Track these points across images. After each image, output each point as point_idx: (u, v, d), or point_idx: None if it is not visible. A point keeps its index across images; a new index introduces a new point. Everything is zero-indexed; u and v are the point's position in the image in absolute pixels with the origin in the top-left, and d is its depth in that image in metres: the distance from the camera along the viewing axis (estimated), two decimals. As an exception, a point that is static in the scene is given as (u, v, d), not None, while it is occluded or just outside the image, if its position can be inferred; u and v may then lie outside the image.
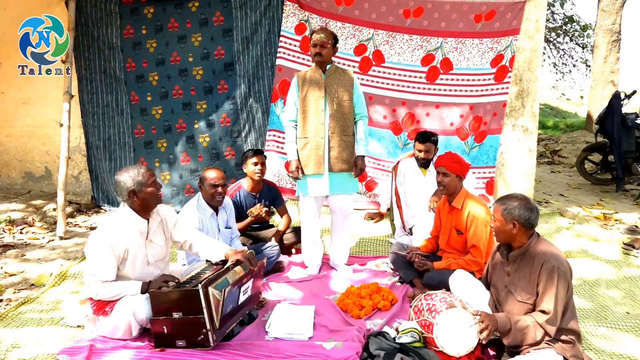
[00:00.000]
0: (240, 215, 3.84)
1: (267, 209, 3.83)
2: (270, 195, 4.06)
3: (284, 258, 3.94)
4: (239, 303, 2.72)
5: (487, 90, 4.94)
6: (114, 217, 2.71)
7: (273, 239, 3.93)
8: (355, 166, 3.60)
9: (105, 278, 2.58)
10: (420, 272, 3.32)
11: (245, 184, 3.96)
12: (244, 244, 3.72)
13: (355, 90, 3.61)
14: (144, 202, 2.66)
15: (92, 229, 4.65)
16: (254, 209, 3.79)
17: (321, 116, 3.53)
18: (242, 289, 2.74)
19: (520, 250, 2.43)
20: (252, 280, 2.85)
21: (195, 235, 2.95)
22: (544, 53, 12.39)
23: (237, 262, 2.81)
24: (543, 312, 2.31)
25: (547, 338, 2.31)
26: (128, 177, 2.62)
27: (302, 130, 3.59)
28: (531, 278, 2.36)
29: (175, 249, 3.69)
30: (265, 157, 3.95)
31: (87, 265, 2.65)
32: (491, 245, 3.18)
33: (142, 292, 2.60)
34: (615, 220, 5.04)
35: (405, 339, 2.58)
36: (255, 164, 3.83)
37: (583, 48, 12.84)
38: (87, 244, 2.65)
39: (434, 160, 4.04)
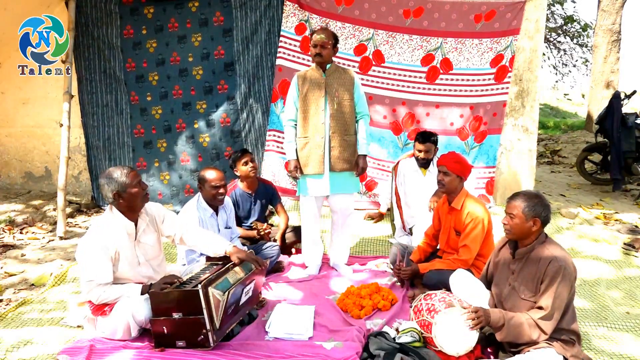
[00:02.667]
0: (236, 214, 3.84)
1: (269, 232, 3.83)
2: (267, 194, 4.06)
3: (284, 258, 3.95)
4: (240, 303, 2.72)
5: (487, 90, 4.94)
6: (101, 220, 2.69)
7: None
8: (357, 165, 3.60)
9: (104, 280, 2.58)
10: (421, 275, 3.32)
11: (240, 183, 3.96)
12: (243, 244, 3.72)
13: (356, 89, 3.61)
14: (130, 203, 2.64)
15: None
16: (259, 224, 3.80)
17: (321, 116, 3.53)
18: (245, 290, 2.74)
19: (527, 248, 2.44)
20: (254, 281, 2.85)
21: (188, 228, 2.94)
22: (544, 54, 12.40)
23: (239, 262, 2.82)
24: (540, 308, 2.32)
25: (544, 337, 2.31)
26: (112, 179, 2.59)
27: (302, 129, 3.59)
28: (536, 277, 2.37)
29: (175, 249, 3.70)
30: (251, 153, 3.95)
31: (82, 272, 2.64)
32: (486, 246, 3.18)
33: (142, 294, 2.60)
34: (616, 220, 5.03)
35: (405, 338, 2.58)
36: (246, 163, 3.84)
37: (582, 47, 12.84)
38: (78, 251, 2.63)
39: (434, 160, 4.05)
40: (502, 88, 4.96)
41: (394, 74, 4.89)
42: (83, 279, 2.61)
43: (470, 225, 3.12)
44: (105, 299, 2.57)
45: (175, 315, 2.45)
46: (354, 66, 4.81)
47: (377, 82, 4.90)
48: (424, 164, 4.03)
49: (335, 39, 3.56)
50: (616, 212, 5.29)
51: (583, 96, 14.81)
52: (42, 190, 5.55)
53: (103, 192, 2.63)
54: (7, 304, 3.15)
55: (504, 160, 5.15)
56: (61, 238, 4.38)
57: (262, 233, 3.80)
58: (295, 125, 3.63)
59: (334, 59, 3.63)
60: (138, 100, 5.03)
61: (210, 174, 3.35)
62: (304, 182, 3.63)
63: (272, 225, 4.23)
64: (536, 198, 2.42)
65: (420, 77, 4.90)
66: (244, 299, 2.75)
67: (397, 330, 2.72)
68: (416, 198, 4.03)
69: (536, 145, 5.18)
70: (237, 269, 2.77)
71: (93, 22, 4.94)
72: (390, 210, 4.57)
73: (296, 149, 3.61)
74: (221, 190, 3.36)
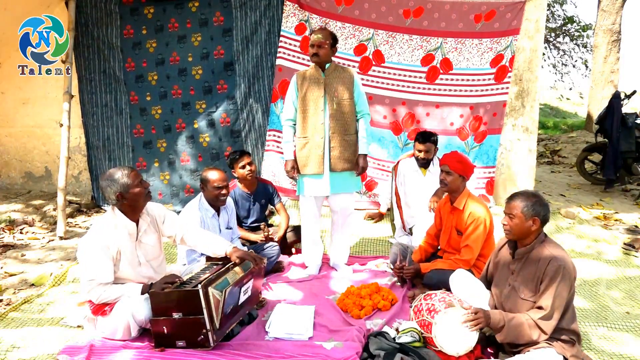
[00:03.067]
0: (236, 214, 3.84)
1: (271, 238, 3.83)
2: (266, 194, 4.06)
3: (284, 258, 3.94)
4: (239, 303, 2.72)
5: (487, 90, 4.94)
6: (102, 220, 2.69)
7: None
8: (357, 165, 3.59)
9: (105, 280, 2.58)
10: (422, 274, 3.32)
11: (239, 183, 3.96)
12: (243, 244, 3.72)
13: (356, 88, 3.58)
14: (133, 203, 2.65)
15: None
16: (266, 230, 3.80)
17: (320, 116, 3.52)
18: (243, 289, 2.74)
19: (527, 248, 2.44)
20: (252, 280, 2.85)
21: (189, 228, 2.95)
22: (543, 54, 12.40)
23: (239, 261, 2.82)
24: (540, 308, 2.32)
25: (544, 337, 2.31)
26: (114, 180, 2.59)
27: (301, 129, 3.58)
28: (536, 276, 2.37)
29: (175, 249, 3.70)
30: (249, 154, 3.95)
31: (83, 271, 2.64)
32: (487, 246, 3.18)
33: (143, 294, 2.60)
34: (616, 220, 5.04)
35: (405, 338, 2.58)
36: (244, 166, 3.84)
37: (583, 47, 12.83)
38: (80, 250, 2.63)
39: (434, 160, 4.05)
40: (502, 88, 4.96)
41: (394, 74, 4.89)
42: (84, 278, 2.61)
43: (472, 226, 3.11)
44: (105, 298, 2.58)
45: (175, 315, 2.45)
46: (354, 66, 4.81)
47: (377, 82, 4.90)
48: (424, 164, 4.03)
49: (333, 38, 3.53)
50: (616, 212, 5.29)
51: (582, 97, 14.79)
52: (42, 190, 5.55)
53: (106, 194, 2.64)
54: (7, 304, 3.15)
55: (504, 160, 5.15)
56: (61, 238, 4.38)
57: (265, 235, 3.79)
58: (294, 125, 3.63)
59: (333, 58, 3.62)
60: (138, 100, 5.03)
61: (213, 175, 3.35)
62: (304, 182, 3.63)
63: (272, 225, 4.23)
64: (534, 197, 2.43)
65: (420, 77, 4.90)
66: (242, 298, 2.75)
67: (397, 330, 2.72)
68: (416, 198, 4.03)
69: (536, 145, 5.18)
70: (237, 269, 2.76)
71: (93, 22, 4.94)
72: (390, 210, 4.57)
73: (294, 149, 3.60)
74: (223, 191, 3.37)
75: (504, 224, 2.48)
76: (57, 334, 2.72)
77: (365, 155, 3.61)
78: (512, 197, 2.49)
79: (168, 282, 2.56)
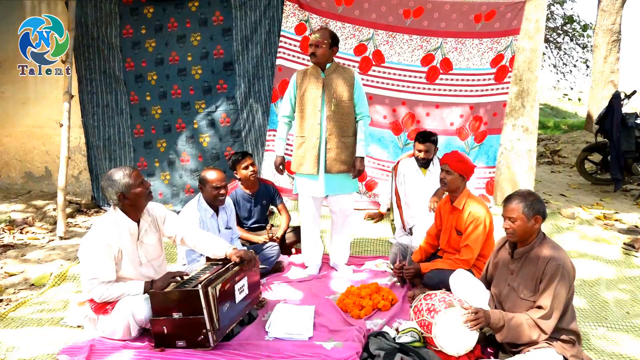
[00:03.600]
0: (237, 214, 3.84)
1: (273, 238, 3.85)
2: (268, 194, 4.06)
3: (284, 258, 3.94)
4: (237, 302, 2.72)
5: (487, 90, 4.94)
6: (104, 219, 2.69)
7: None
8: (354, 167, 3.57)
9: (108, 279, 2.59)
10: (422, 274, 3.32)
11: (240, 184, 3.96)
12: (243, 244, 3.72)
13: (357, 89, 3.55)
14: (135, 203, 2.66)
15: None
16: (270, 231, 3.83)
17: (317, 116, 3.50)
18: (237, 287, 2.73)
19: (526, 247, 2.44)
20: (246, 277, 2.84)
21: (189, 229, 2.95)
22: (544, 54, 12.40)
23: (238, 262, 2.82)
24: (540, 307, 2.33)
25: (544, 337, 2.32)
26: (115, 180, 2.60)
27: (299, 128, 3.58)
28: (535, 276, 2.38)
29: (175, 248, 3.70)
30: (251, 156, 3.95)
31: (84, 270, 2.64)
32: (487, 246, 3.18)
33: (145, 291, 2.61)
34: (616, 220, 5.04)
35: (405, 338, 2.58)
36: (246, 167, 3.84)
37: (583, 48, 12.84)
38: (81, 249, 2.63)
39: (435, 160, 4.05)
40: (502, 88, 4.96)
41: (394, 74, 4.89)
42: (85, 277, 2.61)
43: (472, 226, 3.11)
44: (107, 296, 2.58)
45: (175, 315, 2.45)
46: (354, 66, 4.81)
47: (377, 82, 4.90)
48: (424, 164, 4.03)
49: (332, 38, 3.49)
50: (616, 212, 5.29)
51: (580, 100, 14.77)
52: (42, 190, 5.55)
53: (107, 195, 2.64)
54: (7, 304, 3.15)
55: (504, 161, 5.15)
56: (61, 238, 4.38)
57: (270, 236, 3.80)
58: (289, 122, 3.64)
59: (334, 58, 3.61)
60: (137, 100, 5.03)
61: (211, 175, 3.35)
62: (299, 181, 3.64)
63: (272, 225, 4.23)
64: (531, 196, 2.45)
65: (420, 77, 4.90)
66: (239, 296, 2.74)
67: (397, 330, 2.72)
68: (416, 198, 4.03)
69: (536, 145, 5.18)
70: (236, 269, 2.76)
71: (93, 22, 4.94)
72: (390, 210, 4.57)
73: (286, 146, 3.63)
74: (222, 191, 3.37)
75: (506, 228, 2.47)
76: (57, 334, 2.72)
77: (362, 158, 3.56)
78: (509, 200, 2.48)
79: (174, 277, 2.57)
